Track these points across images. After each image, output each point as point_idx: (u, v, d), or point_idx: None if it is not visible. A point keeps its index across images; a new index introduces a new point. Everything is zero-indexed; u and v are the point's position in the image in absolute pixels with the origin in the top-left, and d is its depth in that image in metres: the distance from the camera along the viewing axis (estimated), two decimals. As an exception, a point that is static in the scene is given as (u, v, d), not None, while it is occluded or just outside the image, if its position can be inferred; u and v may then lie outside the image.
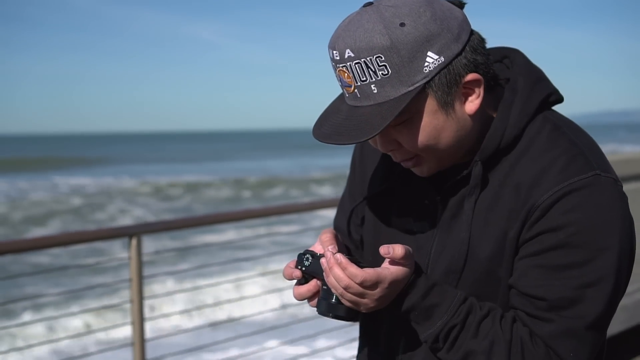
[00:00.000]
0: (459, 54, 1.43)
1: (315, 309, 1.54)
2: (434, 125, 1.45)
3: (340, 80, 1.46)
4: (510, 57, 1.57)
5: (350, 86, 1.44)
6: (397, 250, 1.43)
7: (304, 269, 1.55)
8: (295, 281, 1.58)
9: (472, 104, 1.47)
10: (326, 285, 1.50)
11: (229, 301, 5.55)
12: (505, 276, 1.49)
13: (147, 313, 4.35)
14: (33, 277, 9.94)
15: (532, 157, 1.48)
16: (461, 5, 1.49)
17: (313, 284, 1.54)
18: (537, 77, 1.54)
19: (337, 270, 1.44)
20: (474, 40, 1.47)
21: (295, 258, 1.57)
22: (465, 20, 1.46)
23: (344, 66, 1.43)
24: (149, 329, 4.53)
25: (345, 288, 1.44)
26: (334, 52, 1.44)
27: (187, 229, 10.19)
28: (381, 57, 1.39)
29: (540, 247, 1.44)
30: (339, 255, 1.45)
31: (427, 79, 1.41)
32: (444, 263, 1.54)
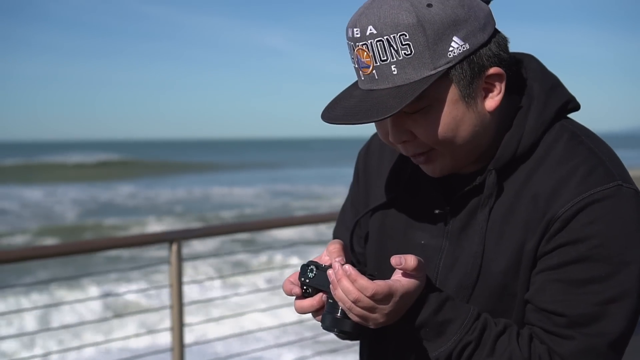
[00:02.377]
0: (484, 44, 1.40)
1: (320, 323, 1.46)
2: (453, 116, 1.40)
3: (357, 62, 1.40)
4: (524, 62, 1.52)
5: (368, 67, 1.38)
6: (410, 261, 1.37)
7: (307, 281, 1.47)
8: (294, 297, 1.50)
9: (493, 100, 1.42)
10: (332, 298, 1.42)
11: (265, 309, 5.60)
12: (521, 291, 1.43)
13: (186, 319, 4.41)
14: (75, 280, 10.10)
15: (550, 167, 1.43)
16: (487, 1, 1.45)
17: (317, 298, 1.46)
18: (553, 83, 1.50)
19: (346, 283, 1.37)
20: (500, 37, 1.44)
21: (296, 271, 1.50)
22: (490, 14, 1.43)
23: (364, 44, 1.37)
24: (188, 334, 4.59)
25: (355, 301, 1.37)
26: (355, 29, 1.38)
27: (226, 235, 10.28)
28: (405, 35, 1.35)
29: (560, 260, 1.39)
30: (348, 267, 1.38)
31: (451, 64, 1.37)
32: (455, 277, 1.48)
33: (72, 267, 11.65)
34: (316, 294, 1.47)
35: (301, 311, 1.48)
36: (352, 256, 1.68)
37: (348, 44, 1.42)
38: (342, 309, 1.41)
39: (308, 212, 20.06)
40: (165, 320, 6.90)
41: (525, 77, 1.51)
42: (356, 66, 1.42)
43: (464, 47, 1.38)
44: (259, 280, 10.48)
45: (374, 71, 1.39)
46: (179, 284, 4.26)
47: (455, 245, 1.50)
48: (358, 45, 1.39)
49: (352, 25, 1.40)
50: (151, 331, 4.85)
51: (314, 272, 1.46)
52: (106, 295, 8.74)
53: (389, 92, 1.37)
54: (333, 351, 5.59)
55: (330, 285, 1.41)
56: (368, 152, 1.70)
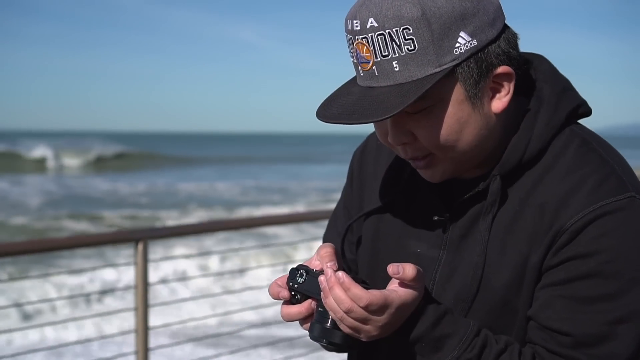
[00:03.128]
0: (493, 41, 1.32)
1: (308, 332, 1.38)
2: (457, 118, 1.32)
3: (357, 56, 1.32)
4: (534, 63, 1.45)
5: (368, 62, 1.31)
6: (408, 270, 1.29)
7: (296, 286, 1.38)
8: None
9: (500, 101, 1.35)
10: (322, 307, 1.34)
11: (237, 311, 5.50)
12: (523, 307, 1.36)
13: (152, 321, 4.30)
14: (39, 279, 9.92)
15: (558, 175, 1.36)
16: None
17: (306, 305, 1.38)
18: (564, 86, 1.43)
19: (339, 291, 1.29)
20: (509, 34, 1.36)
21: (284, 274, 1.42)
22: (500, 8, 1.36)
23: (364, 38, 1.29)
24: (153, 336, 4.48)
25: (347, 311, 1.29)
26: (355, 22, 1.30)
27: (194, 235, 10.16)
28: (409, 29, 1.27)
29: (566, 275, 1.31)
30: (342, 274, 1.30)
31: (457, 61, 1.29)
32: (452, 290, 1.40)
33: (35, 262, 11.43)
34: (305, 300, 1.39)
35: (288, 318, 1.40)
36: (344, 263, 1.60)
37: (347, 36, 1.34)
38: (332, 319, 1.33)
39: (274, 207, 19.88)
40: (129, 322, 6.76)
41: (535, 78, 1.43)
42: (355, 61, 1.34)
43: (471, 44, 1.30)
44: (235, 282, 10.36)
45: (374, 67, 1.31)
46: (145, 284, 4.15)
47: (454, 255, 1.42)
48: (357, 39, 1.31)
49: (351, 16, 1.32)
50: (113, 335, 4.73)
51: (304, 277, 1.38)
52: (70, 296, 8.56)
53: (390, 90, 1.30)
54: (303, 355, 5.50)
55: (321, 293, 1.32)
56: (364, 152, 1.62)
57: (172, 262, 10.30)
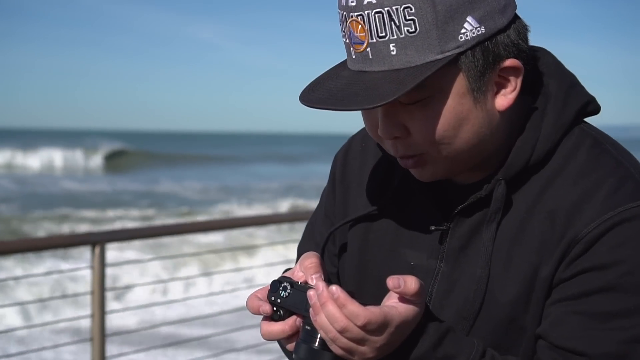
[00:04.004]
0: (503, 30, 1.21)
1: (293, 354, 1.25)
2: (456, 112, 1.20)
3: (349, 36, 1.20)
4: (539, 57, 1.33)
5: (362, 43, 1.19)
6: (410, 283, 1.17)
7: (279, 301, 1.25)
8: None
9: (505, 98, 1.23)
10: (310, 324, 1.21)
11: (197, 318, 5.37)
12: (531, 324, 1.25)
13: (107, 328, 4.16)
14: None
15: (569, 178, 1.25)
16: None
17: (290, 322, 1.25)
18: (571, 81, 1.32)
19: (332, 308, 1.16)
20: (520, 24, 1.24)
21: (264, 286, 1.29)
22: None
23: (360, 15, 1.17)
24: (109, 346, 4.33)
25: (341, 331, 1.16)
26: None
27: (153, 238, 9.99)
28: (410, 9, 1.15)
29: (581, 289, 1.21)
30: (336, 288, 1.17)
31: (462, 49, 1.18)
32: (452, 306, 1.29)
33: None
34: (289, 316, 1.24)
35: (269, 337, 1.26)
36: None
37: (340, 14, 1.22)
38: (321, 339, 1.19)
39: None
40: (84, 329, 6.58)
41: (540, 73, 1.31)
42: (347, 41, 1.22)
43: (478, 31, 1.18)
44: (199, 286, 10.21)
45: (368, 49, 1.18)
46: (102, 290, 4.02)
47: (453, 267, 1.30)
48: (352, 16, 1.18)
49: None
50: (67, 343, 4.57)
51: (288, 290, 1.23)
52: (21, 302, 8.33)
53: (384, 76, 1.18)
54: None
55: (311, 310, 1.18)
56: (347, 155, 1.48)
57: (132, 266, 10.11)
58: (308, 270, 1.25)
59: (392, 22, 1.16)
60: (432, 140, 1.22)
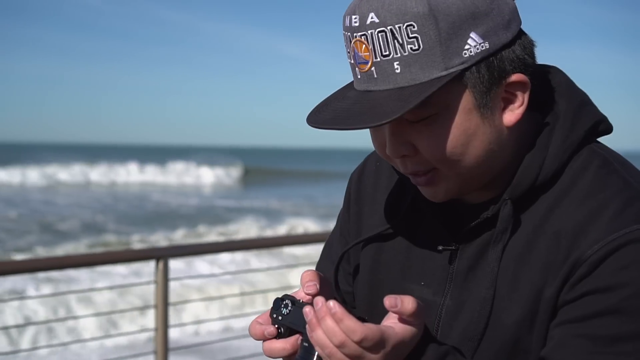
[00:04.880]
0: (508, 45, 1.21)
1: None
2: (464, 129, 1.20)
3: (354, 56, 1.21)
4: (549, 75, 1.33)
5: (367, 62, 1.19)
6: (407, 303, 1.16)
7: (280, 318, 1.25)
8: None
9: (513, 113, 1.23)
10: (308, 341, 1.21)
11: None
12: (536, 346, 1.23)
13: (171, 342, 4.24)
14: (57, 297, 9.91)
15: (576, 198, 1.23)
16: None
17: (292, 341, 1.25)
18: (582, 100, 1.30)
19: (330, 323, 1.16)
20: (525, 39, 1.24)
21: (266, 311, 1.29)
22: (516, 11, 1.25)
23: (363, 35, 1.18)
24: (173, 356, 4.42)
25: (339, 346, 1.16)
26: (354, 17, 1.19)
27: (215, 254, 10.10)
28: (413, 27, 1.15)
29: (585, 311, 1.18)
30: (333, 303, 1.16)
31: (466, 65, 1.18)
32: (458, 327, 1.29)
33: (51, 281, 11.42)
34: (290, 334, 1.25)
35: (270, 354, 1.27)
36: (338, 295, 1.46)
37: (344, 34, 1.23)
38: (318, 356, 1.20)
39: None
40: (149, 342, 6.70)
41: (550, 91, 1.31)
42: (352, 62, 1.23)
43: (482, 46, 1.19)
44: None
45: (372, 68, 1.19)
46: (165, 305, 4.09)
47: (461, 288, 1.30)
48: (356, 36, 1.20)
49: (350, 12, 1.21)
50: (131, 356, 4.67)
51: (289, 307, 1.25)
52: (95, 314, 8.52)
53: (389, 94, 1.18)
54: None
55: (307, 325, 1.19)
56: (362, 174, 1.49)
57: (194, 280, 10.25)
58: (307, 288, 1.26)
59: (396, 41, 1.17)
60: (441, 158, 1.22)
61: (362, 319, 1.19)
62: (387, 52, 1.18)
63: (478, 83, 1.19)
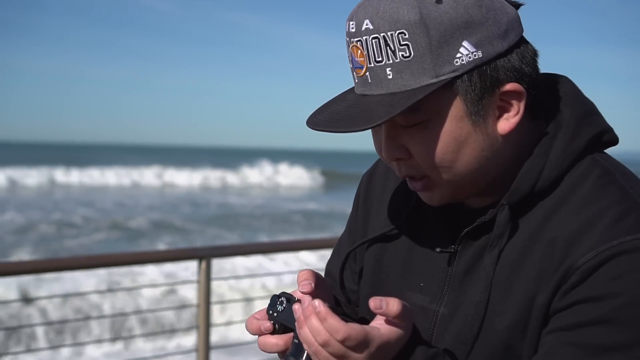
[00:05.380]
0: (503, 55, 1.22)
1: None
2: (455, 135, 1.22)
3: (352, 61, 1.25)
4: (556, 84, 1.34)
5: (362, 67, 1.23)
6: (392, 305, 1.19)
7: (275, 314, 1.28)
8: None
9: (508, 122, 1.25)
10: (298, 338, 1.24)
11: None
12: (527, 353, 1.23)
13: (213, 340, 4.31)
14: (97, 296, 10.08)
15: (574, 207, 1.24)
16: (516, 5, 1.28)
17: (285, 337, 1.29)
18: (586, 110, 1.31)
19: (315, 321, 1.19)
20: (525, 49, 1.26)
21: (264, 308, 1.33)
22: (517, 20, 1.26)
23: (359, 41, 1.22)
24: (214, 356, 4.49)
25: (323, 344, 1.18)
26: (351, 23, 1.24)
27: (258, 255, 10.19)
28: (404, 34, 1.19)
29: (576, 320, 1.18)
30: (318, 302, 1.19)
31: (457, 73, 1.20)
32: (452, 330, 1.30)
33: (95, 277, 11.61)
34: (285, 331, 1.29)
35: (264, 348, 1.31)
36: (342, 294, 1.51)
37: (345, 39, 1.27)
38: (307, 353, 1.23)
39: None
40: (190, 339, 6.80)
41: (556, 100, 1.32)
42: (351, 66, 1.27)
43: (475, 55, 1.21)
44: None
45: (367, 73, 1.23)
46: (207, 304, 4.16)
47: (458, 291, 1.31)
48: (353, 42, 1.24)
49: (350, 17, 1.25)
50: (173, 353, 4.76)
51: (284, 305, 1.28)
52: (133, 312, 8.66)
53: (381, 99, 1.21)
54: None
55: (296, 323, 1.23)
56: (372, 176, 1.53)
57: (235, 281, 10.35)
58: (302, 286, 1.28)
59: (388, 47, 1.20)
60: (432, 163, 1.24)
61: (364, 320, 1.22)
62: (380, 59, 1.21)
63: (469, 91, 1.22)
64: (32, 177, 34.98)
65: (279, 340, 1.30)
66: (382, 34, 1.20)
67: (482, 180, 1.28)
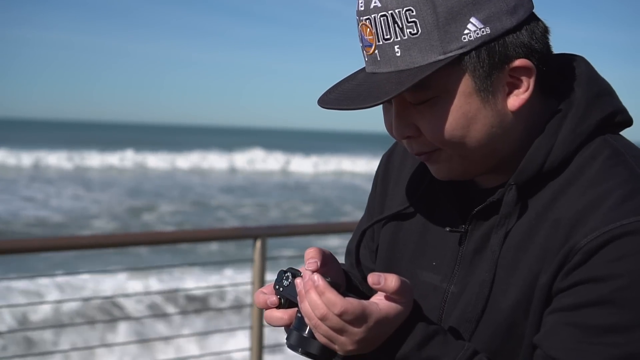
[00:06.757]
0: (512, 30, 1.22)
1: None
2: (464, 111, 1.23)
3: (362, 39, 1.26)
4: (571, 64, 1.33)
5: (371, 45, 1.24)
6: (390, 281, 1.20)
7: (281, 289, 1.31)
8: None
9: (518, 98, 1.25)
10: (301, 312, 1.26)
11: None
12: (530, 332, 1.24)
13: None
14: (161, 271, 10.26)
15: (581, 187, 1.24)
16: None
17: (290, 312, 1.31)
18: (600, 89, 1.30)
19: (314, 295, 1.21)
20: (536, 26, 1.25)
21: (271, 283, 1.34)
22: None
23: (368, 18, 1.23)
24: (269, 335, 4.58)
25: (321, 318, 1.20)
26: (360, 1, 1.25)
27: (313, 235, 10.26)
28: (412, 11, 1.20)
29: (576, 300, 1.19)
30: (317, 276, 1.22)
31: (465, 49, 1.20)
32: (458, 309, 1.31)
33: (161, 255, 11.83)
34: (290, 306, 1.31)
35: (270, 322, 1.33)
36: (359, 272, 1.52)
37: (355, 18, 1.28)
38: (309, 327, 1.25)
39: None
40: (244, 322, 6.92)
41: (570, 80, 1.32)
42: (361, 45, 1.28)
43: (483, 31, 1.21)
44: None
45: (376, 51, 1.24)
46: (262, 283, 4.23)
47: (467, 270, 1.33)
48: (362, 20, 1.25)
49: None
50: (229, 329, 4.86)
51: (289, 280, 1.30)
52: (175, 290, 8.82)
53: (389, 77, 1.23)
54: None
55: (298, 297, 1.26)
56: (391, 156, 1.55)
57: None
58: (306, 262, 1.29)
59: (396, 25, 1.21)
60: (442, 139, 1.25)
61: (346, 293, 1.23)
62: (389, 36, 1.22)
63: (478, 67, 1.22)
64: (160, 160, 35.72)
65: (283, 315, 1.31)
66: (390, 12, 1.21)
67: (493, 157, 1.29)
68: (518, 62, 1.24)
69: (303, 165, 37.40)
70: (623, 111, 1.32)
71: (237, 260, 9.13)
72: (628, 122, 1.33)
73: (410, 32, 1.21)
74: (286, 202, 22.55)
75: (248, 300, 4.47)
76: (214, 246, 12.85)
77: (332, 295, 1.20)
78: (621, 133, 1.34)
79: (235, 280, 7.95)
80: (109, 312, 8.51)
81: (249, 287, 4.60)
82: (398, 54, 1.22)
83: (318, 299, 1.21)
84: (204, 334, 5.20)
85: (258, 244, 4.21)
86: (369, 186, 1.62)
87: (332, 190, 26.84)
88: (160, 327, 8.36)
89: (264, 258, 4.23)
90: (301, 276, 1.27)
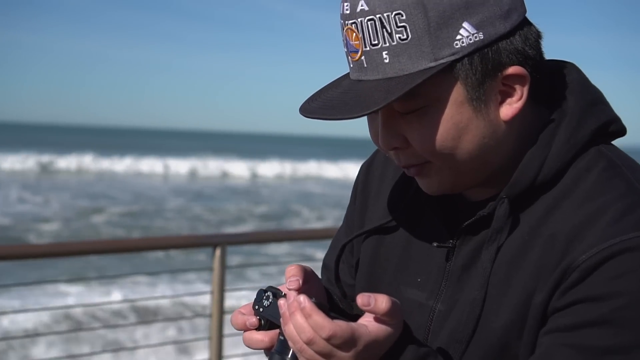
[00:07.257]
0: (505, 36, 1.16)
1: None
2: (455, 122, 1.17)
3: (347, 44, 1.19)
4: (562, 71, 1.28)
5: (357, 51, 1.17)
6: (381, 302, 1.13)
7: (261, 310, 1.24)
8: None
9: (511, 107, 1.19)
10: (283, 335, 1.19)
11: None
12: (524, 353, 1.19)
13: (227, 329, 4.32)
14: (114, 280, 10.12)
15: (576, 201, 1.19)
16: None
17: (271, 334, 1.24)
18: (593, 98, 1.25)
19: (299, 318, 1.14)
20: (529, 31, 1.20)
21: (250, 303, 1.28)
22: (519, 0, 1.20)
23: (354, 23, 1.16)
24: (228, 347, 4.50)
25: (308, 342, 1.13)
26: (345, 5, 1.18)
27: (273, 243, 10.20)
28: (401, 15, 1.13)
29: (574, 320, 1.13)
30: (303, 298, 1.14)
31: (457, 56, 1.14)
32: (447, 328, 1.25)
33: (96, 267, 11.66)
34: (271, 327, 1.25)
35: (249, 344, 1.27)
36: (338, 287, 1.44)
37: (340, 22, 1.21)
38: (293, 351, 1.19)
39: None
40: (201, 331, 6.82)
41: (562, 88, 1.26)
42: (345, 50, 1.21)
43: (476, 37, 1.15)
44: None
45: (362, 57, 1.17)
46: (221, 291, 4.17)
47: (455, 288, 1.26)
48: (347, 24, 1.18)
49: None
50: (183, 341, 4.77)
51: (270, 300, 1.24)
52: (133, 300, 8.69)
53: (377, 85, 1.16)
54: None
55: (281, 319, 1.18)
56: (371, 166, 1.48)
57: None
58: (289, 282, 1.22)
59: (384, 30, 1.15)
60: (432, 151, 1.19)
61: (358, 316, 1.18)
62: (376, 42, 1.16)
63: (470, 75, 1.16)
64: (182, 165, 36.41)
65: (264, 337, 1.25)
66: (377, 15, 1.15)
67: (484, 170, 1.24)
68: (512, 70, 1.18)
69: (239, 168, 38.10)
70: (617, 120, 1.27)
71: (192, 269, 9.01)
72: (621, 131, 1.28)
73: (399, 38, 1.15)
74: (237, 207, 22.61)
75: (207, 310, 4.39)
76: (160, 254, 12.68)
77: (320, 318, 1.13)
78: (612, 142, 1.29)
79: (193, 289, 7.85)
80: (61, 324, 8.34)
81: (207, 297, 4.52)
82: (386, 61, 1.16)
83: (304, 321, 1.14)
84: (162, 344, 5.11)
85: (218, 252, 4.16)
86: (317, 188, 1.54)
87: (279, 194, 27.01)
88: (117, 337, 8.22)
89: (223, 266, 4.19)
90: (283, 296, 1.21)
